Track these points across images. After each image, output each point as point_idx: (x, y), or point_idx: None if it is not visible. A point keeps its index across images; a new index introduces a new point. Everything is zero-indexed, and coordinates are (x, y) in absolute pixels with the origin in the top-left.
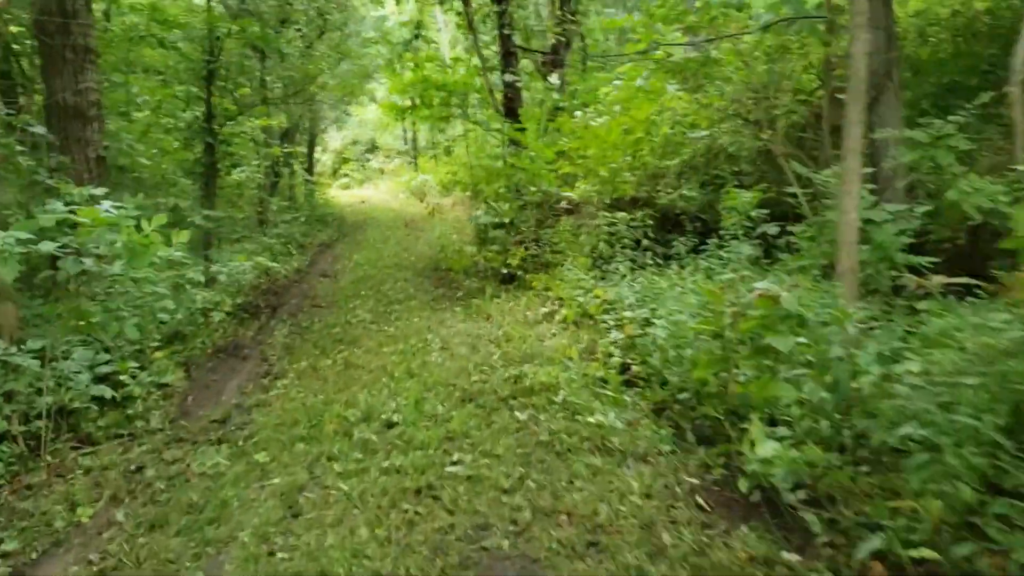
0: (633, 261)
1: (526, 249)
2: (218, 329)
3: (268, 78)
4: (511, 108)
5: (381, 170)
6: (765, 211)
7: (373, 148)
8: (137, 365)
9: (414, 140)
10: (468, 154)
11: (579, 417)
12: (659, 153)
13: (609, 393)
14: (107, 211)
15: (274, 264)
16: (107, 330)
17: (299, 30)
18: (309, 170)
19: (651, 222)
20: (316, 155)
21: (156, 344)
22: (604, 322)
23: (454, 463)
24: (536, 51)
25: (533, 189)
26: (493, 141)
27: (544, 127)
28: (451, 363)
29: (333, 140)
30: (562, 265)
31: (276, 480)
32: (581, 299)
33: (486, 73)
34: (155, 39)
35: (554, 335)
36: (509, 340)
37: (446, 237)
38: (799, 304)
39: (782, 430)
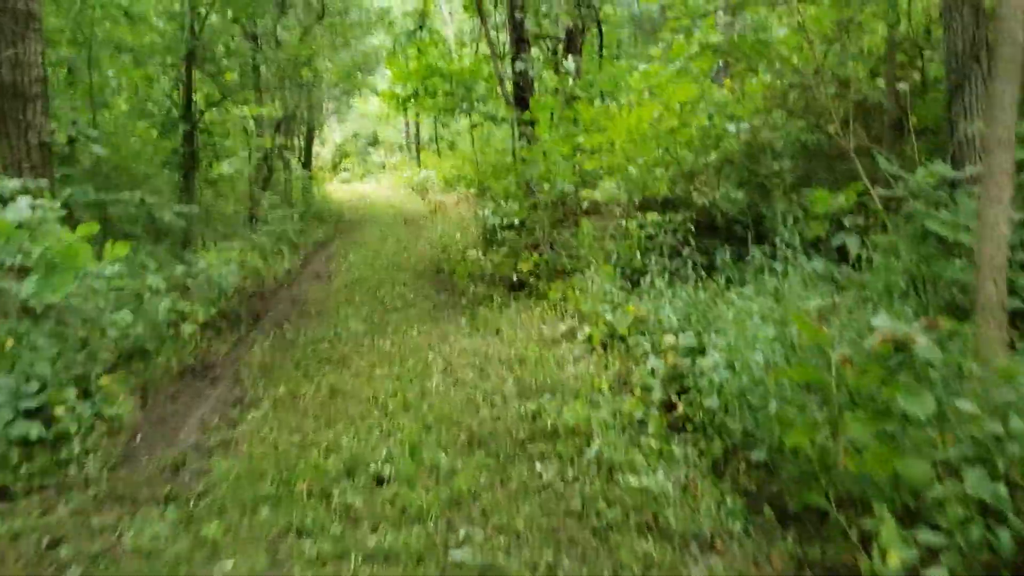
0: (670, 272)
1: (540, 254)
2: (188, 344)
3: (262, 65)
4: (522, 98)
5: (383, 165)
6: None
7: (375, 142)
8: (78, 393)
9: (416, 134)
10: (474, 148)
11: (618, 476)
12: (696, 147)
13: (652, 442)
14: (23, 211)
15: (262, 264)
16: (17, 362)
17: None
18: (306, 164)
19: (691, 227)
20: (315, 148)
21: (107, 365)
22: (639, 345)
23: (460, 544)
24: (550, 37)
25: (547, 186)
26: (501, 134)
27: (558, 118)
28: (456, 392)
29: (334, 133)
30: (582, 273)
31: (227, 566)
32: (608, 316)
33: (496, 60)
34: (120, 9)
35: (577, 359)
36: (523, 363)
37: (449, 236)
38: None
39: (927, 534)
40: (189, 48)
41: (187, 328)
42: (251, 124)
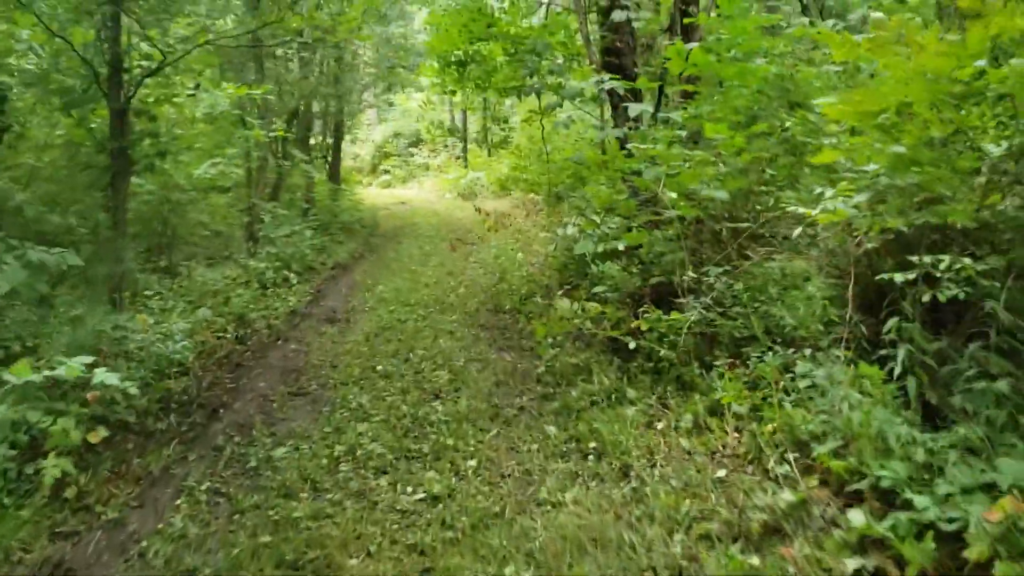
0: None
1: (672, 303)
2: (51, 495)
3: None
4: (619, 64)
5: (426, 166)
6: None
7: (417, 141)
8: None
9: (464, 128)
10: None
11: None
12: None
13: None
14: None
15: (252, 303)
16: None
17: None
18: (333, 166)
19: None
20: (352, 148)
21: None
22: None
23: None
24: None
25: (674, 197)
26: (585, 118)
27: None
28: None
29: (373, 132)
30: (774, 350)
31: None
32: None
33: (583, 14)
34: None
35: None
36: None
37: (508, 258)
38: None
39: None
40: None
41: (50, 470)
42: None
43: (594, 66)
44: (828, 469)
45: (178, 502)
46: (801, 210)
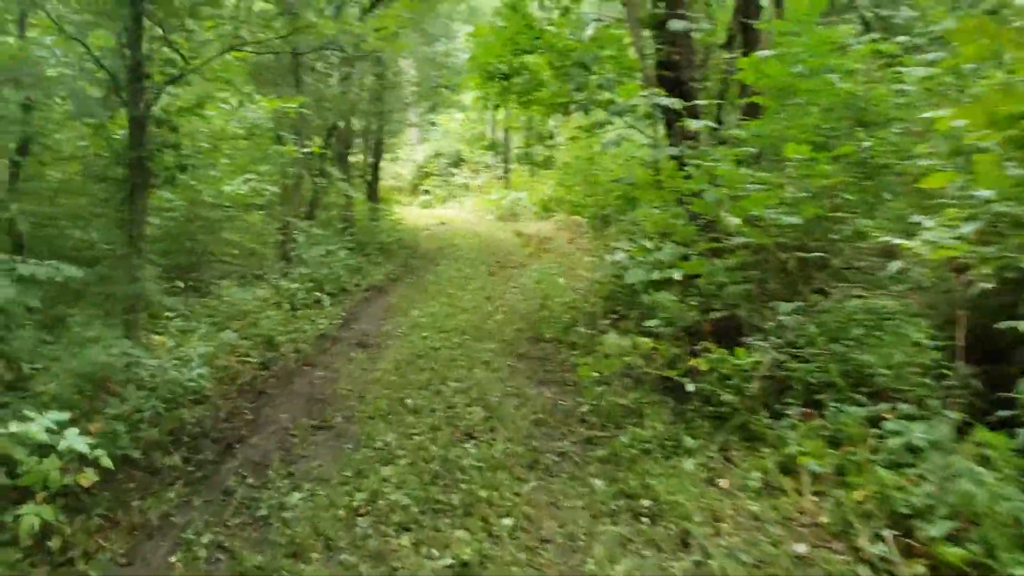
0: None
1: (741, 345)
2: (34, 545)
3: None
4: (675, 79)
5: (466, 186)
6: None
7: (458, 161)
8: None
9: (506, 146)
10: (590, 159)
11: None
12: None
13: None
14: None
15: (283, 326)
16: None
17: None
18: (372, 184)
19: None
20: (394, 167)
21: None
22: None
23: None
24: None
25: (737, 223)
26: (636, 138)
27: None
28: None
29: (416, 152)
30: (857, 401)
31: None
32: None
33: (635, 24)
34: None
35: None
36: None
37: (549, 283)
38: None
39: None
40: None
41: (27, 518)
42: (269, 124)
43: (647, 81)
44: (937, 555)
45: (173, 558)
46: (896, 241)
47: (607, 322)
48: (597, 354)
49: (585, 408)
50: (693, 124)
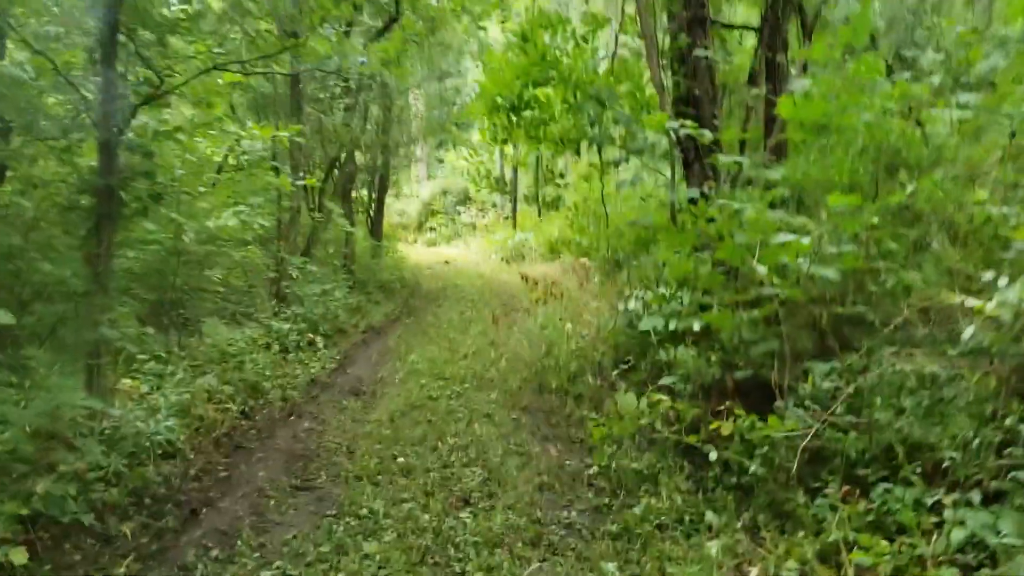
0: None
1: (770, 410)
2: None
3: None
4: (696, 115)
5: (473, 225)
6: None
7: (465, 199)
8: None
9: (514, 185)
10: (602, 198)
11: None
12: None
13: None
14: None
15: (269, 370)
16: None
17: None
18: (375, 221)
19: None
20: (398, 204)
21: None
22: None
23: None
24: (734, 26)
25: (765, 272)
26: (649, 178)
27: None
28: None
29: (422, 189)
30: (910, 482)
31: None
32: None
33: (654, 55)
34: None
35: None
36: None
37: (556, 329)
38: None
39: None
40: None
41: None
42: (261, 153)
43: (665, 110)
44: None
45: None
46: (971, 302)
47: (616, 372)
48: (607, 411)
49: (594, 470)
50: (722, 159)
